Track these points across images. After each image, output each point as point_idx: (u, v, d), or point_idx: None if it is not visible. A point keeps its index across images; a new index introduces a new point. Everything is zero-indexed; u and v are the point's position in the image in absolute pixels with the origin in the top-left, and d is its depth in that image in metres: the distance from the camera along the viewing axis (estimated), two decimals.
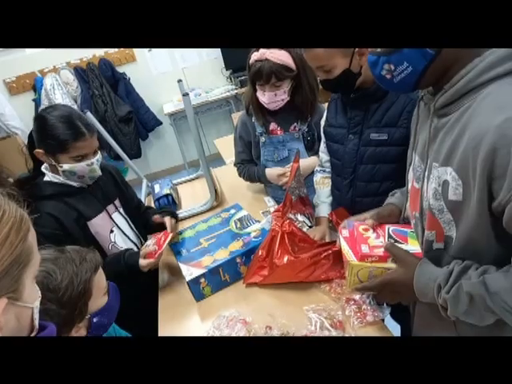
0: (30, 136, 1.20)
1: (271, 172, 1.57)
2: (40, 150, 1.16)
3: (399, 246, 0.85)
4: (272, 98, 1.40)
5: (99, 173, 1.23)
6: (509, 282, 0.62)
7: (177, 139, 4.21)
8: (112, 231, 1.32)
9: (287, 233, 1.14)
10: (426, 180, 0.76)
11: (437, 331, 0.84)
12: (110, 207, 1.34)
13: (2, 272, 0.43)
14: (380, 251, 0.85)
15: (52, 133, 1.13)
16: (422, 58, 0.65)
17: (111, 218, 1.32)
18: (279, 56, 1.34)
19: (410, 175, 0.86)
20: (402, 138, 1.07)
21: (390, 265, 0.83)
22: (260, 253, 1.19)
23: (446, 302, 0.70)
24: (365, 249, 0.86)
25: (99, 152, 1.24)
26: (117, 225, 1.33)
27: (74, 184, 1.24)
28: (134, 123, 3.89)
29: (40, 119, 1.16)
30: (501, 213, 0.61)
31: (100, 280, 0.89)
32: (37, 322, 0.52)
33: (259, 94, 1.43)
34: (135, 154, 3.97)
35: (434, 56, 0.65)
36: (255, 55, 1.37)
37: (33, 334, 0.51)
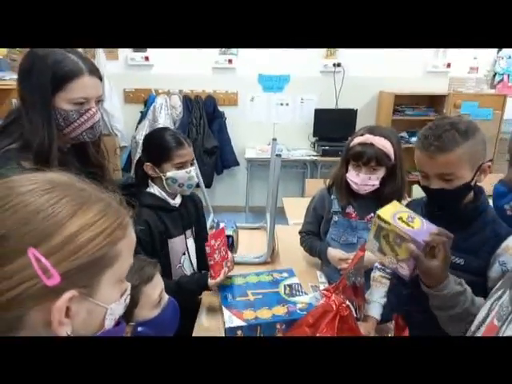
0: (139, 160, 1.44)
1: (333, 253, 1.58)
2: (149, 164, 1.36)
3: None
4: (365, 180, 1.45)
5: (196, 180, 1.40)
6: None
7: (246, 183, 4.41)
8: (184, 254, 1.43)
9: (341, 315, 1.10)
10: (507, 323, 0.72)
11: None
12: (188, 232, 1.47)
13: (80, 266, 0.47)
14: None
15: (160, 143, 1.35)
16: None
17: (186, 242, 1.44)
18: (383, 143, 1.42)
19: (492, 307, 0.79)
20: (478, 269, 1.04)
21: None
22: (308, 318, 1.15)
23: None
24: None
25: (195, 164, 1.42)
26: (188, 250, 1.45)
27: (170, 201, 1.40)
28: (216, 157, 4.18)
29: (149, 136, 1.42)
30: None
31: (151, 293, 0.92)
32: (108, 323, 0.55)
33: (351, 174, 1.48)
34: (206, 184, 4.21)
35: None
36: (359, 139, 1.45)
37: (99, 333, 0.54)
